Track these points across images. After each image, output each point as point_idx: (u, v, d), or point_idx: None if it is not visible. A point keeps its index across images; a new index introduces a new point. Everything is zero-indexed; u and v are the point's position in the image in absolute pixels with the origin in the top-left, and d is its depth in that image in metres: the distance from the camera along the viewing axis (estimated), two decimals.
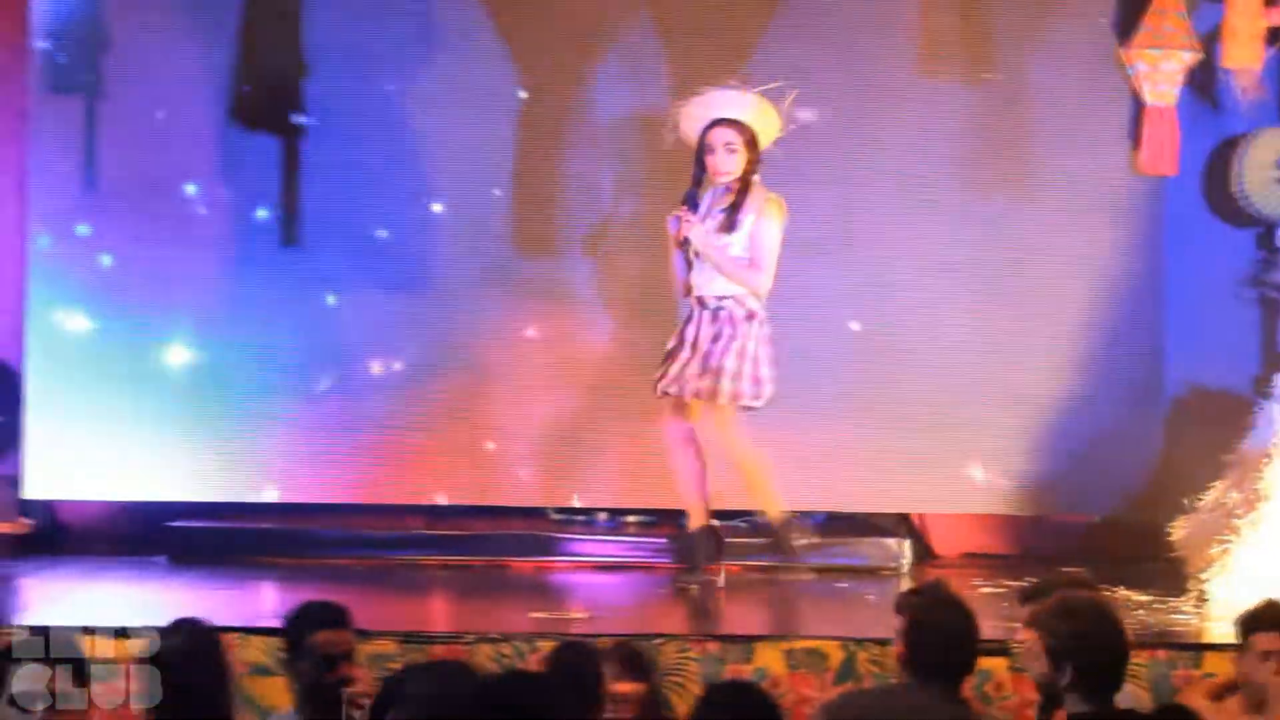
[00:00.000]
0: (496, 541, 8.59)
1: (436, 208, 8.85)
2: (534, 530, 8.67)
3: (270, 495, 8.76)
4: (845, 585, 7.95)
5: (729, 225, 7.60)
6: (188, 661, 4.67)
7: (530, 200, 8.84)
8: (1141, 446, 8.80)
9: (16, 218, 8.85)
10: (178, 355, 8.74)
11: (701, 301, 7.66)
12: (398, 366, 8.83)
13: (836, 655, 6.37)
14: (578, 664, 4.99)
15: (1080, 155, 8.74)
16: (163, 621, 5.55)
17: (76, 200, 8.73)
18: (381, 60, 8.78)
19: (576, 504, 8.84)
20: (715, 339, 7.59)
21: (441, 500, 8.77)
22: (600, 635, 6.43)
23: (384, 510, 8.85)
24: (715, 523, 7.90)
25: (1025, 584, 6.01)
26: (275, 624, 6.18)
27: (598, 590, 8.20)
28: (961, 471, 8.77)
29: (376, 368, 8.82)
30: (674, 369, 7.64)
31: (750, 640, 6.54)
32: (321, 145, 8.79)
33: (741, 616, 7.59)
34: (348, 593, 7.26)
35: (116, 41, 8.73)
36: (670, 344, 7.73)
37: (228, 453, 8.73)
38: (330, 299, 8.82)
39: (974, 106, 8.79)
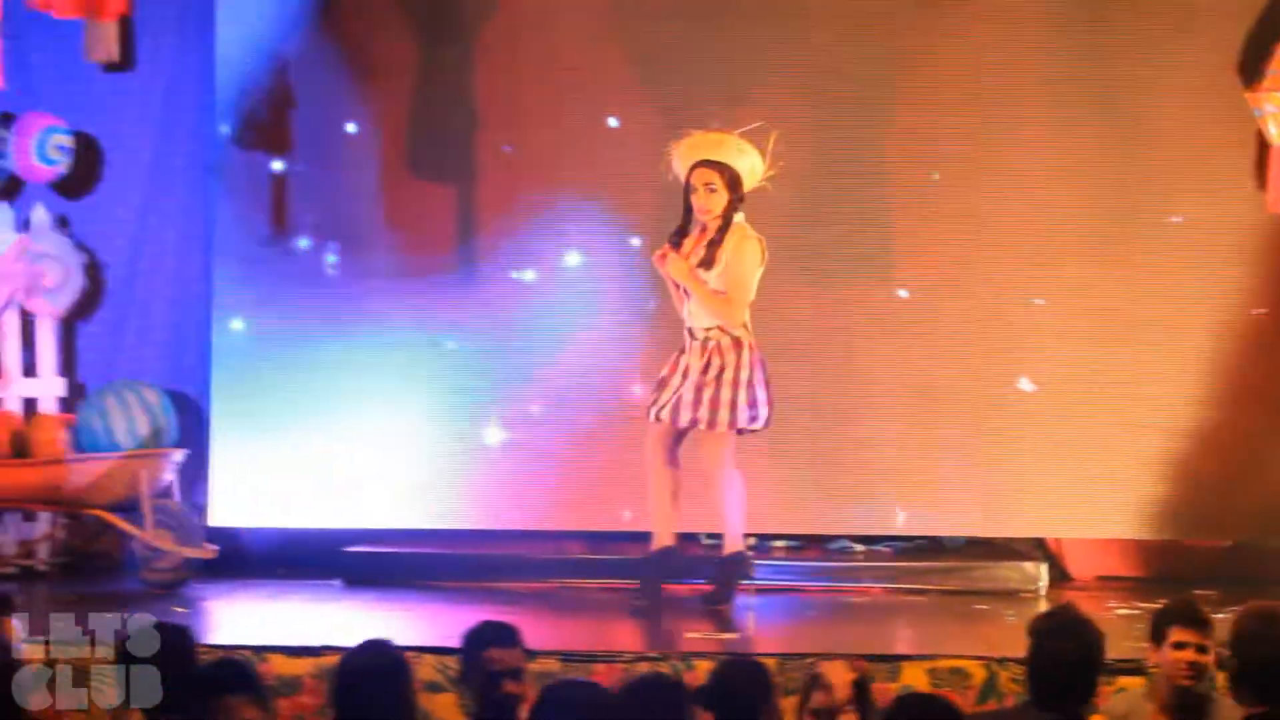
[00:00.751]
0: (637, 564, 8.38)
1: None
2: (688, 554, 8.46)
3: (438, 522, 8.87)
4: (985, 607, 7.96)
5: (707, 261, 7.68)
6: (374, 679, 4.76)
7: None
8: (1275, 472, 8.73)
9: (202, 263, 9.09)
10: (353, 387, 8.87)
11: (691, 333, 7.76)
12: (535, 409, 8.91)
13: (979, 674, 6.34)
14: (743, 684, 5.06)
15: (1206, 195, 8.72)
16: (343, 640, 5.76)
17: (258, 246, 8.94)
18: None
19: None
20: (705, 369, 7.67)
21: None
22: (754, 655, 6.57)
23: (545, 536, 8.92)
24: (674, 545, 7.92)
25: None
26: (446, 644, 6.41)
27: (741, 611, 8.05)
28: (1096, 497, 8.75)
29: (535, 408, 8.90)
30: (666, 396, 7.72)
31: (896, 659, 6.55)
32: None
33: (886, 636, 7.59)
34: (513, 613, 7.27)
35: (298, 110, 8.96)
36: (664, 372, 7.81)
37: (396, 481, 8.84)
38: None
39: (1100, 147, 8.78)
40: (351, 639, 6.06)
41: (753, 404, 7.68)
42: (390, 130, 8.94)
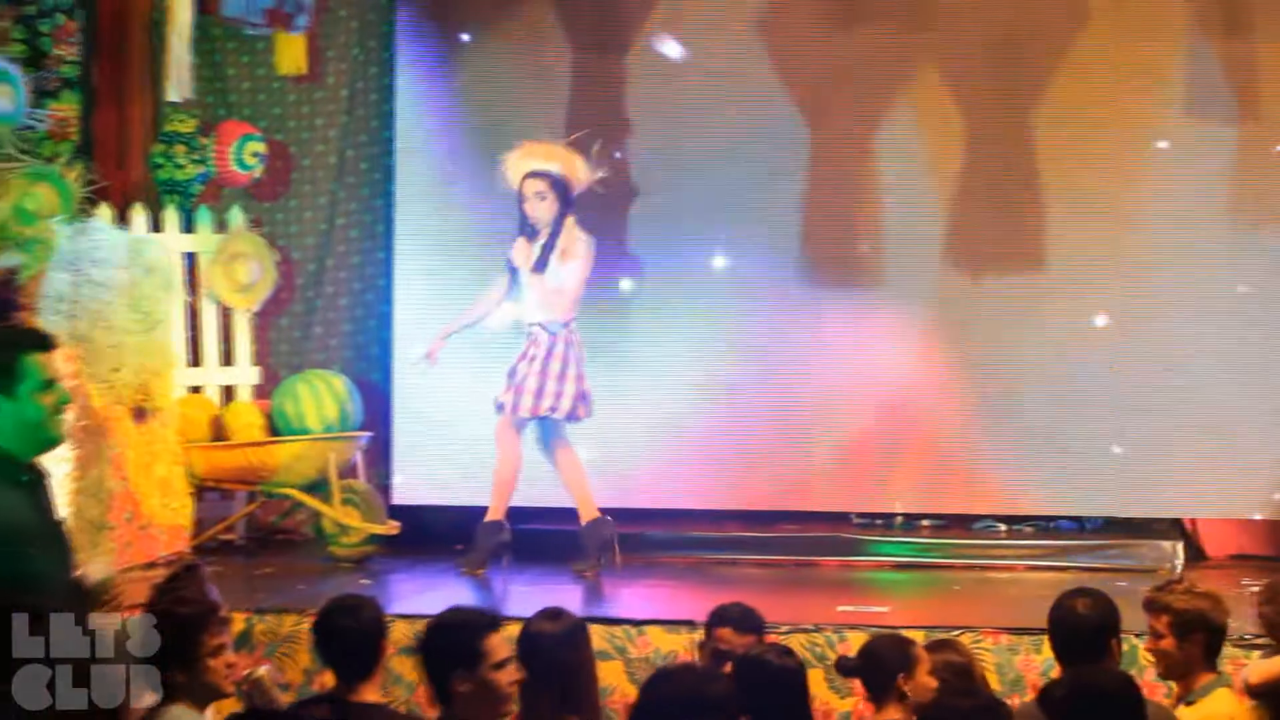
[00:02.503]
0: (803, 543, 8.58)
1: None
2: (838, 532, 8.65)
3: (611, 500, 8.70)
4: (1124, 584, 7.75)
5: (541, 264, 7.78)
6: (559, 645, 4.67)
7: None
8: None
9: (384, 260, 9.16)
10: None
11: (519, 324, 7.92)
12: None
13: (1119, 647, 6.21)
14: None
15: None
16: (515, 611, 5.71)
17: (434, 242, 8.98)
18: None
19: (898, 509, 8.83)
20: (530, 359, 7.79)
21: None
22: (902, 627, 6.46)
23: (703, 515, 8.88)
24: (608, 518, 7.98)
25: None
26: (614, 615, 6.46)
27: (895, 586, 8.14)
28: (1231, 478, 8.57)
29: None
30: (508, 385, 7.85)
31: (1041, 632, 6.39)
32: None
33: (1028, 610, 7.38)
34: (667, 588, 7.63)
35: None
36: (511, 364, 7.91)
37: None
38: None
39: (1241, 149, 8.60)
40: (523, 610, 6.19)
41: (558, 395, 7.79)
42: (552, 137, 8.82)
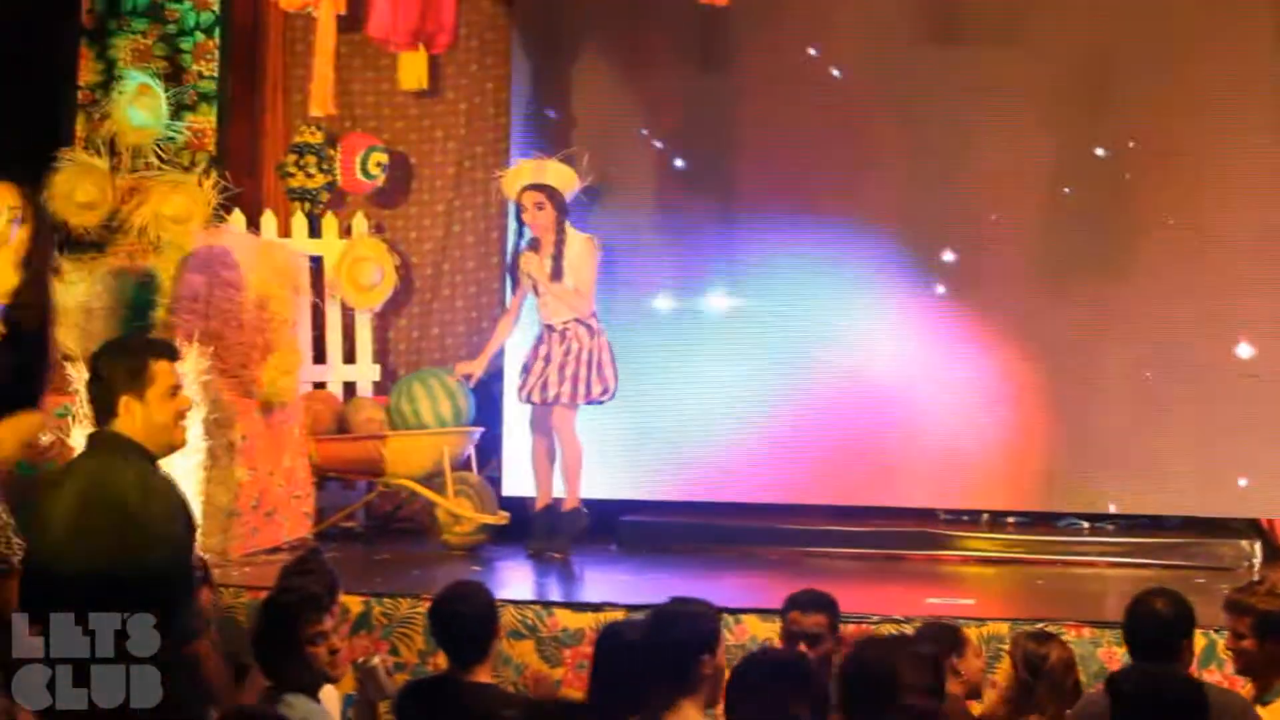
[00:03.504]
0: (892, 537, 8.54)
1: None
2: (925, 528, 8.59)
3: (701, 494, 8.86)
4: (1203, 580, 7.69)
5: (555, 273, 8.06)
6: (679, 630, 4.64)
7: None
8: None
9: (498, 265, 9.18)
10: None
11: (550, 328, 8.09)
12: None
13: (1199, 641, 6.06)
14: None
15: None
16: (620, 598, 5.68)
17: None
18: None
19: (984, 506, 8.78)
20: (566, 354, 8.02)
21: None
22: (989, 619, 6.45)
23: (798, 510, 8.84)
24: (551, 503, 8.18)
25: None
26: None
27: (980, 580, 8.05)
28: None
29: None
30: (532, 380, 8.09)
31: (1119, 626, 6.34)
32: None
33: (1110, 605, 7.27)
34: (762, 578, 7.60)
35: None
36: (525, 360, 8.17)
37: (670, 456, 8.83)
38: None
39: None
40: (628, 597, 6.28)
41: (603, 379, 8.05)
42: (667, 144, 8.96)
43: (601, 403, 8.15)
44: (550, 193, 8.11)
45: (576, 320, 8.09)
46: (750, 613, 6.62)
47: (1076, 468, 8.65)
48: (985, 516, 8.79)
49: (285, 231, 8.90)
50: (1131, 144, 8.60)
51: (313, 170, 8.89)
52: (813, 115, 8.78)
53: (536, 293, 8.19)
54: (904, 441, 8.74)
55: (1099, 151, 8.63)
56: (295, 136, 9.00)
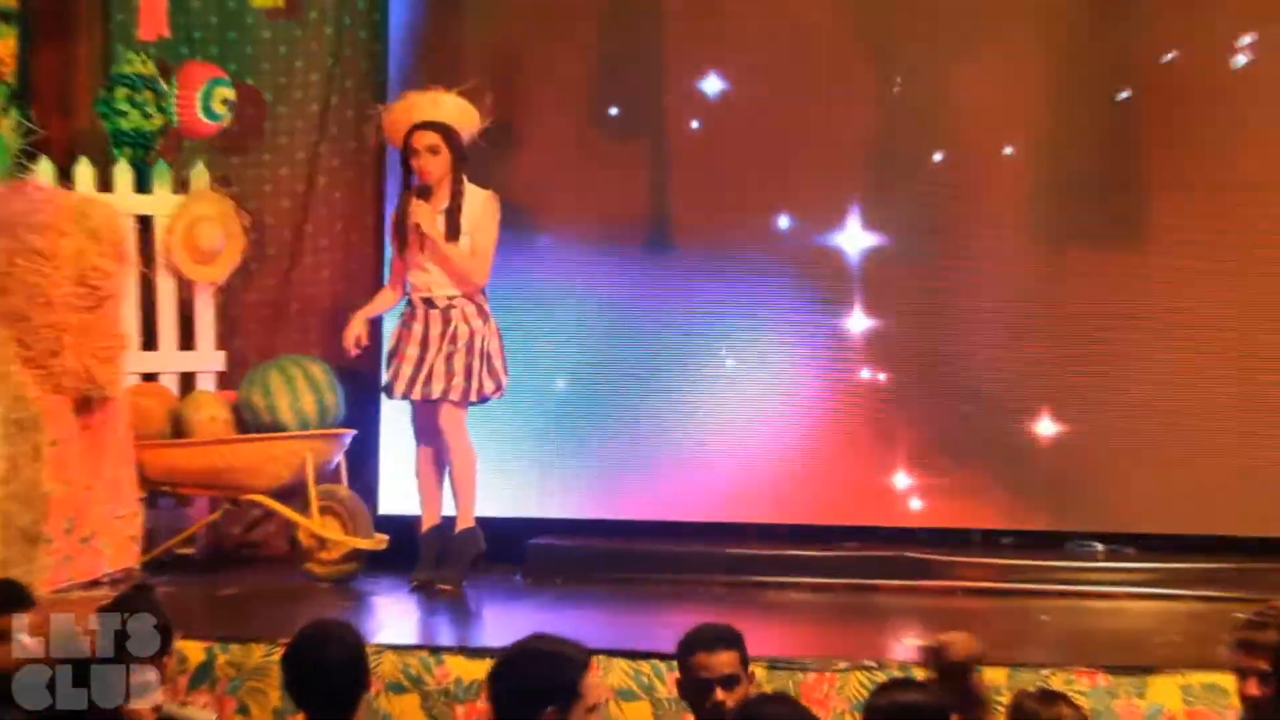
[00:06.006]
0: (860, 563, 8.55)
1: None
2: (901, 551, 8.60)
3: (623, 512, 8.91)
4: (1244, 616, 7.67)
5: (451, 232, 8.10)
6: (525, 677, 4.60)
7: None
8: None
9: (374, 226, 9.19)
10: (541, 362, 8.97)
11: (430, 302, 8.11)
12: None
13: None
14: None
15: None
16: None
17: None
18: None
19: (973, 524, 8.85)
20: (452, 339, 8.07)
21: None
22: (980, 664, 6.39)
23: (744, 531, 8.90)
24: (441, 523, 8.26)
25: None
26: (637, 646, 6.56)
27: (970, 616, 7.93)
28: None
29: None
30: (407, 370, 8.12)
31: (1145, 672, 6.35)
32: None
33: (1130, 646, 7.26)
34: (709, 614, 7.37)
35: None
36: (391, 344, 8.21)
37: (583, 471, 8.90)
38: None
39: None
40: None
41: (494, 373, 8.13)
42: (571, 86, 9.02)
43: (488, 400, 8.18)
44: (447, 133, 8.14)
45: (464, 296, 8.09)
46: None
47: (1088, 475, 8.70)
48: (976, 536, 8.84)
49: (106, 185, 8.86)
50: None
51: (150, 109, 8.88)
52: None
53: (406, 256, 8.18)
54: (874, 444, 8.80)
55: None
56: (118, 66, 8.94)
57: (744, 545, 8.72)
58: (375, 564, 8.46)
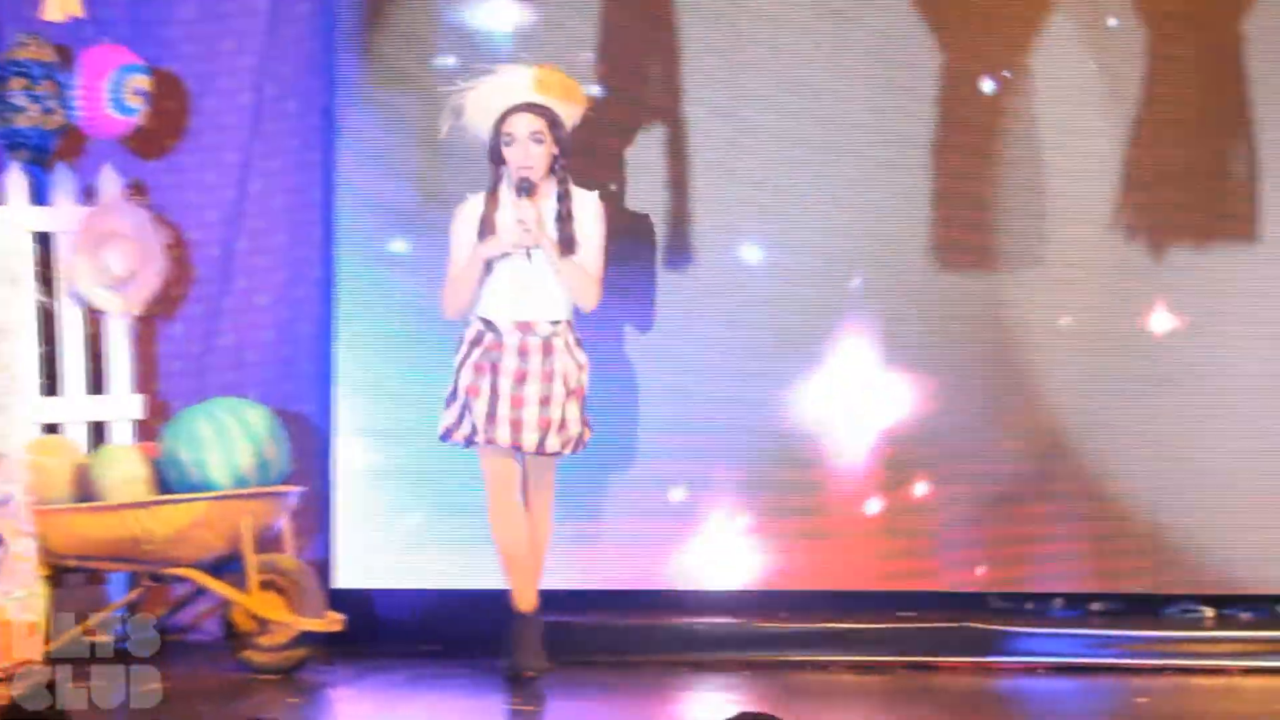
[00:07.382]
0: (920, 636, 8.63)
1: None
2: (968, 622, 8.66)
3: (630, 583, 8.88)
4: None
5: (566, 243, 7.90)
6: None
7: None
8: None
9: (321, 241, 9.02)
10: None
11: (529, 328, 7.94)
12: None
13: None
14: None
15: None
16: None
17: (390, 214, 8.87)
18: None
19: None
20: (549, 376, 7.92)
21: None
22: None
23: (779, 600, 8.87)
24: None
25: None
26: None
27: (1052, 699, 8.15)
28: None
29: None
30: (504, 411, 7.88)
31: None
32: None
33: None
34: (744, 701, 7.77)
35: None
36: (468, 380, 7.95)
37: (574, 536, 8.77)
38: None
39: None
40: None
41: (585, 421, 8.06)
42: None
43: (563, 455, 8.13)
44: (553, 120, 7.96)
45: (567, 324, 8.02)
46: None
47: (1191, 531, 8.76)
48: (1059, 603, 8.84)
49: None
50: None
51: (52, 103, 8.71)
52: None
53: (490, 268, 7.99)
54: (934, 497, 8.82)
55: None
56: (11, 52, 8.77)
57: (770, 617, 8.74)
58: (329, 649, 8.34)
